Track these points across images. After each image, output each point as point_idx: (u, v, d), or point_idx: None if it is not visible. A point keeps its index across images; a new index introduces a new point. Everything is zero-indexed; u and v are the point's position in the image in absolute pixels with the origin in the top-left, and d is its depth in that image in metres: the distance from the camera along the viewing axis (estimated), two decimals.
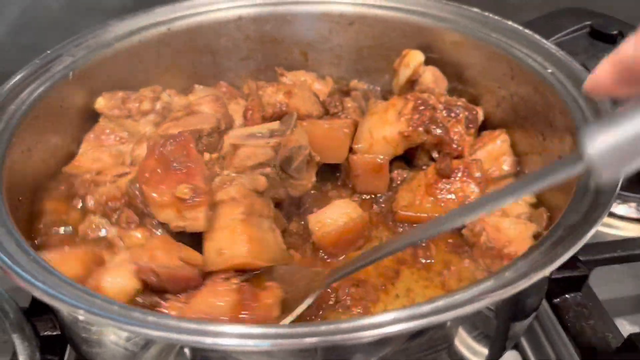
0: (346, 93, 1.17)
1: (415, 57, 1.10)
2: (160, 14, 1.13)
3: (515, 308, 0.79)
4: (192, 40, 1.16)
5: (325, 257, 0.93)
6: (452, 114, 1.01)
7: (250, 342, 0.61)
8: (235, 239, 0.82)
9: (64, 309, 0.67)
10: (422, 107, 1.00)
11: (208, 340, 0.61)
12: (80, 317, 0.66)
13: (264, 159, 0.91)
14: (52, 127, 0.99)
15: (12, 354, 0.85)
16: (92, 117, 1.06)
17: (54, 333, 0.87)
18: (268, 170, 0.91)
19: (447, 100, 1.04)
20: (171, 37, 1.13)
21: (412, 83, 1.10)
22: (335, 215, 0.94)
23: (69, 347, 0.93)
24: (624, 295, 1.03)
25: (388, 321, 0.61)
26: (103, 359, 0.80)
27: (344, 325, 0.61)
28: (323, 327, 0.61)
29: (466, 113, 1.02)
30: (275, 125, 0.97)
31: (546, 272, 0.66)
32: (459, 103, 1.04)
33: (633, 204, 1.14)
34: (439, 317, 0.62)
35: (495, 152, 1.04)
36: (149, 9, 1.13)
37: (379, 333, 0.61)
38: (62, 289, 0.66)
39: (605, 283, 0.96)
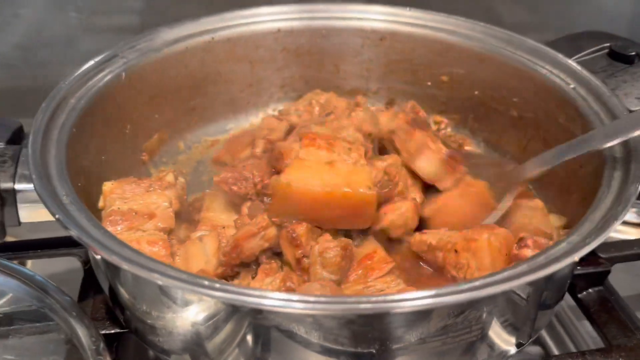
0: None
1: None
2: (206, 23, 1.18)
3: (543, 296, 0.82)
4: (232, 49, 1.21)
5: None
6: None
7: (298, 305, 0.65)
8: None
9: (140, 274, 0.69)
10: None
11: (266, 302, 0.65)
12: (159, 282, 0.68)
13: None
14: (106, 123, 1.03)
15: (65, 352, 0.85)
16: (142, 115, 1.12)
17: (112, 331, 0.89)
18: None
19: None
20: (214, 45, 1.19)
21: None
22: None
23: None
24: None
25: (424, 296, 0.65)
26: (170, 347, 0.82)
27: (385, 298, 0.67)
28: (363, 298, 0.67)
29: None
30: None
31: (575, 257, 0.71)
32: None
33: None
34: (475, 293, 0.66)
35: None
36: (196, 18, 1.18)
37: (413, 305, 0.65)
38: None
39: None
